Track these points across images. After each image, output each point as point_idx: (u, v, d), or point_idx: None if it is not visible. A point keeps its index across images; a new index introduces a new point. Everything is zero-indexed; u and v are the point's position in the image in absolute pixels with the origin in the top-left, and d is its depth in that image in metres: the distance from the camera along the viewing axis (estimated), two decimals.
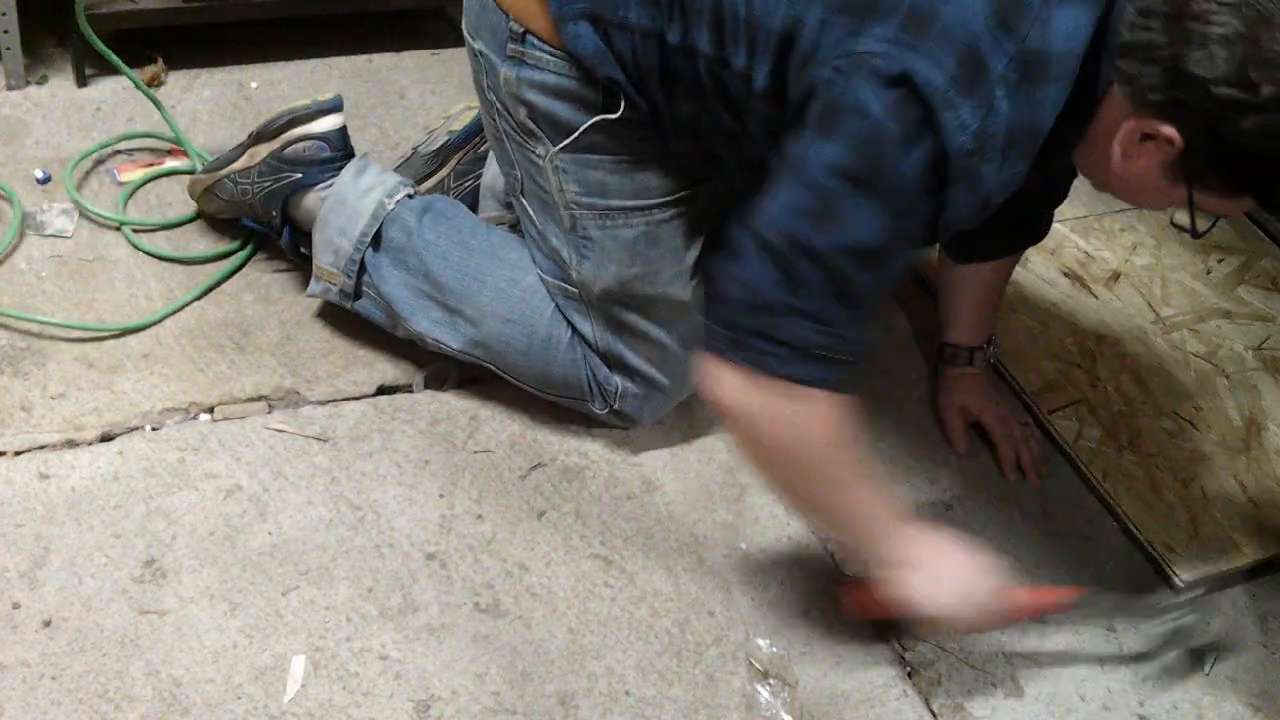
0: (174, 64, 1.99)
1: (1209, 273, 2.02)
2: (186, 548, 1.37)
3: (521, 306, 1.51)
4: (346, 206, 1.54)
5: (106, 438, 1.46)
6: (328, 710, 1.26)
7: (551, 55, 1.34)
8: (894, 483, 1.60)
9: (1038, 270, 1.95)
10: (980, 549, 1.31)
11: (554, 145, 1.38)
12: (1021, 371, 1.77)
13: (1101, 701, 1.42)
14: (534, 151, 1.42)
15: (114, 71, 1.95)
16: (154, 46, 1.99)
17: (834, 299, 1.15)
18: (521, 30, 1.34)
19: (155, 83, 1.96)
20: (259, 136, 1.61)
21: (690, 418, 1.63)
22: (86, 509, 1.39)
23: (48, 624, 1.28)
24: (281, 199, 1.60)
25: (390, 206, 1.54)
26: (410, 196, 1.56)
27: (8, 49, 1.86)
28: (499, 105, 1.42)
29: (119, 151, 1.83)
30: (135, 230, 1.70)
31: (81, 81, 1.92)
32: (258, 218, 1.66)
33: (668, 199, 1.42)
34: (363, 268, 1.54)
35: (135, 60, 1.97)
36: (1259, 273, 2.04)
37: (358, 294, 1.56)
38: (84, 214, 1.71)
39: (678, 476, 1.56)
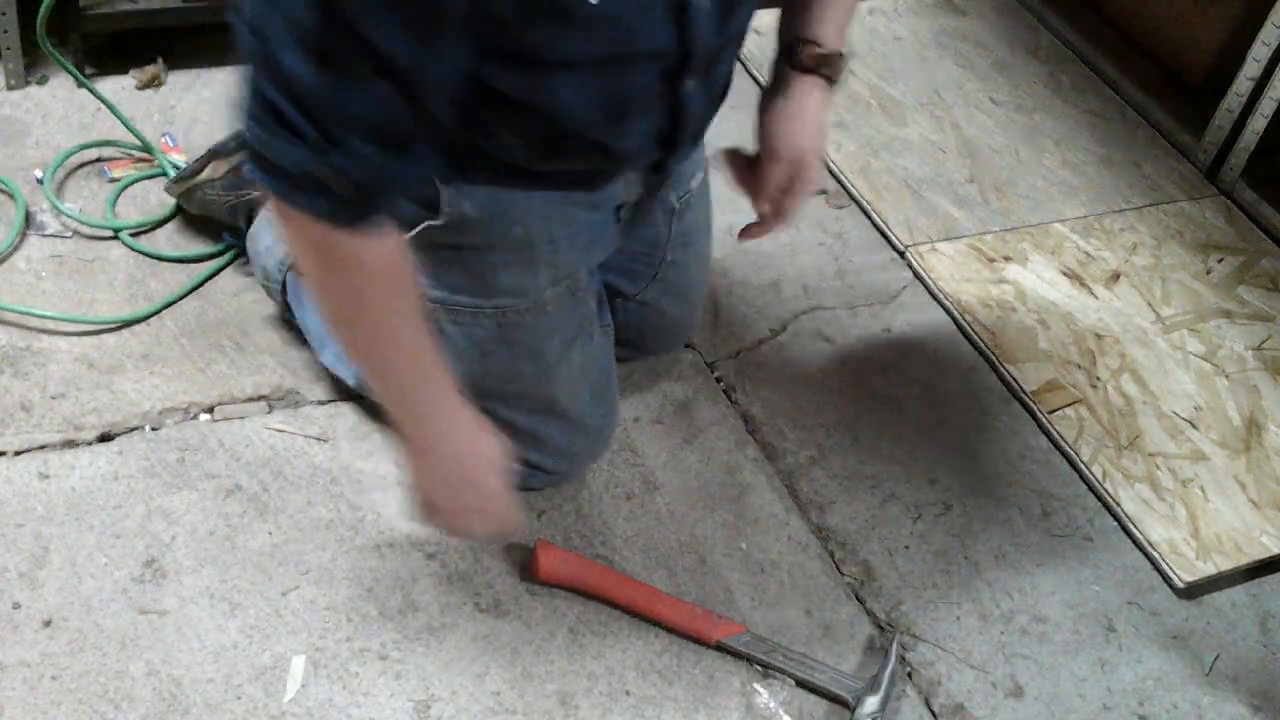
0: (174, 64, 1.99)
1: (1209, 273, 2.02)
2: (186, 548, 1.37)
3: None
4: (274, 225, 1.53)
5: (106, 438, 1.46)
6: (328, 710, 1.26)
7: None
8: (894, 482, 1.61)
9: (1038, 270, 1.95)
10: (496, 449, 1.22)
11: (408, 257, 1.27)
12: (1021, 371, 1.77)
13: (1101, 701, 1.42)
14: None
15: (114, 71, 1.96)
16: (154, 46, 1.99)
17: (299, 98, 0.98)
18: None
19: (155, 83, 1.96)
20: (215, 154, 1.60)
21: (690, 417, 1.63)
22: (86, 509, 1.39)
23: (48, 624, 1.28)
24: (245, 212, 1.61)
25: None
26: None
27: (8, 49, 1.86)
28: None
29: (97, 159, 1.83)
30: (132, 234, 1.70)
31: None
32: (228, 226, 1.67)
33: (517, 297, 1.32)
34: (285, 289, 1.53)
35: (135, 60, 1.97)
36: (1259, 273, 2.04)
37: (288, 309, 1.55)
38: (66, 220, 1.71)
39: (678, 476, 1.56)
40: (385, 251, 1.07)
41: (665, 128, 1.23)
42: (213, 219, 1.70)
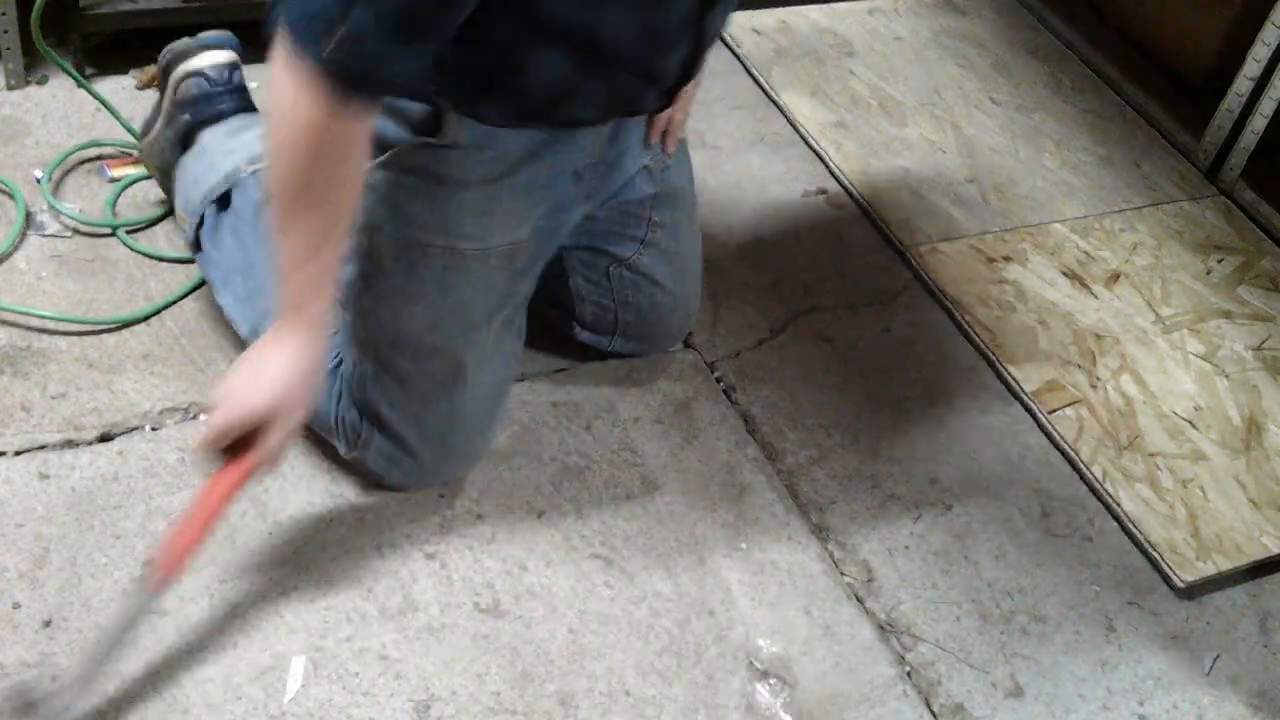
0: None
1: (1209, 273, 2.02)
2: None
3: None
4: (205, 157, 1.54)
5: (106, 438, 1.46)
6: (328, 710, 1.26)
7: None
8: (894, 482, 1.61)
9: (1038, 270, 1.95)
10: (295, 385, 1.17)
11: (369, 160, 1.24)
12: (1021, 371, 1.77)
13: (1101, 701, 1.42)
14: None
15: (114, 71, 1.95)
16: (154, 46, 1.99)
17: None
18: None
19: (155, 83, 1.95)
20: (162, 86, 1.60)
21: (690, 417, 1.63)
22: (86, 509, 1.39)
23: (48, 624, 1.28)
24: (182, 147, 1.60)
25: (245, 172, 1.51)
26: None
27: (8, 49, 1.86)
28: None
29: (97, 158, 1.83)
30: (129, 231, 1.70)
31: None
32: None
33: (470, 241, 1.32)
34: (202, 222, 1.53)
35: (135, 60, 1.97)
36: (1259, 273, 2.04)
37: (197, 247, 1.55)
38: (66, 220, 1.71)
39: (678, 476, 1.56)
40: (359, 131, 1.11)
41: (690, 54, 1.29)
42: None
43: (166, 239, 1.71)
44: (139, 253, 1.68)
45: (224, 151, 1.54)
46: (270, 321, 1.21)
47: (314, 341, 1.19)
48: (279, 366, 1.17)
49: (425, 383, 1.38)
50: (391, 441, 1.40)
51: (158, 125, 1.62)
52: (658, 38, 1.24)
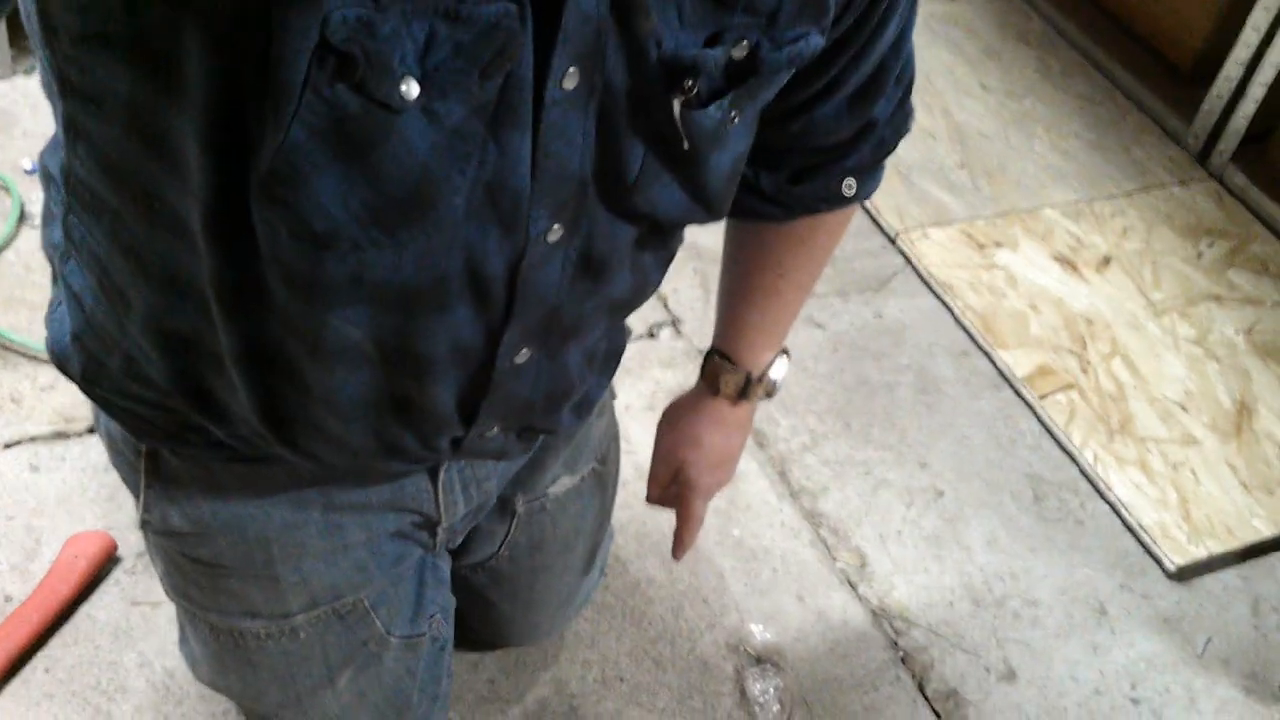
0: None
1: (1199, 257, 2.02)
2: None
3: None
4: None
5: (96, 429, 1.46)
6: None
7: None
8: (886, 468, 1.61)
9: (1028, 255, 1.95)
10: None
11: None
12: (1013, 356, 1.77)
13: (1094, 685, 1.43)
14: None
15: None
16: None
17: None
18: None
19: None
20: None
21: None
22: (78, 501, 1.38)
23: None
24: None
25: None
26: None
27: None
28: None
29: None
30: None
31: None
32: None
33: (256, 619, 0.97)
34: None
35: None
36: (1249, 257, 2.04)
37: None
38: None
39: None
40: None
41: (467, 398, 0.79)
42: None
43: None
44: None
45: None
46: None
47: None
48: None
49: None
50: None
51: None
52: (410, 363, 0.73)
